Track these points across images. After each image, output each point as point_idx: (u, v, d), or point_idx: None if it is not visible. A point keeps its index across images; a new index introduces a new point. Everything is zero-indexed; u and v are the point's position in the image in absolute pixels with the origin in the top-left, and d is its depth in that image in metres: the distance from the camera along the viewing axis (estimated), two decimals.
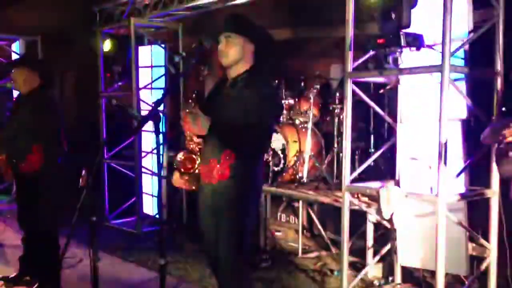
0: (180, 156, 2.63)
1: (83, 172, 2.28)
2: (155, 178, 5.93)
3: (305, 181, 4.63)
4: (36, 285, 3.65)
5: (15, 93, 4.63)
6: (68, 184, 3.55)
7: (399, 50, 3.11)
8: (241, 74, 2.63)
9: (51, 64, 5.03)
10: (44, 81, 3.77)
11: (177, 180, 2.68)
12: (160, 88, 5.81)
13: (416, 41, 3.06)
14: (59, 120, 3.77)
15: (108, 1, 5.90)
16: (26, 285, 3.82)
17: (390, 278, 3.90)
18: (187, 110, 2.44)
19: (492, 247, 3.28)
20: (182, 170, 2.63)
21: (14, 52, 7.21)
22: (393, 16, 3.09)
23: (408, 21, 3.03)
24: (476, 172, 3.33)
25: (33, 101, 3.69)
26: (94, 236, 2.38)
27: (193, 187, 2.68)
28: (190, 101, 5.60)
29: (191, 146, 2.65)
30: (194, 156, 2.63)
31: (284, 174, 4.67)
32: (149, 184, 5.99)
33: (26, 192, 3.75)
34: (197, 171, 2.64)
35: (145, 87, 5.81)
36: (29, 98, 3.72)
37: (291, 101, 4.99)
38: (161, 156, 2.36)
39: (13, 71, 3.72)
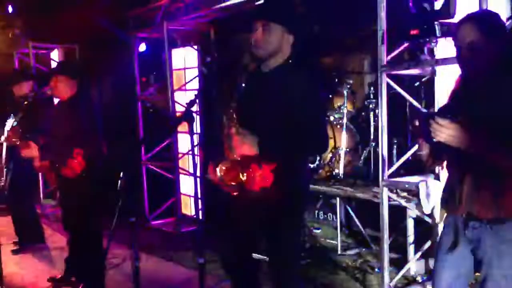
0: (222, 167, 2.38)
1: (121, 174, 2.32)
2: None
3: (341, 177, 4.59)
4: (81, 286, 3.75)
5: (56, 100, 4.77)
6: (109, 186, 3.63)
7: (434, 40, 3.04)
8: (280, 67, 2.39)
9: (88, 70, 5.15)
10: (82, 87, 3.88)
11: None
12: (194, 89, 5.89)
13: (452, 31, 2.97)
14: (98, 125, 3.86)
15: (141, 6, 6.01)
16: (71, 285, 3.94)
17: None
18: (235, 131, 2.25)
19: None
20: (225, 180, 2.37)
21: (52, 60, 7.45)
22: (427, 6, 3.02)
23: (453, 11, 2.93)
24: None
25: (72, 107, 3.79)
26: (134, 237, 2.42)
27: (235, 193, 2.41)
28: (232, 105, 5.58)
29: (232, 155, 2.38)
30: (237, 170, 2.33)
31: (320, 171, 4.63)
32: (188, 185, 6.07)
33: (69, 196, 3.87)
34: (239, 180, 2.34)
35: (179, 89, 5.90)
36: (68, 104, 3.83)
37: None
38: (196, 157, 2.36)
39: (53, 78, 3.83)
